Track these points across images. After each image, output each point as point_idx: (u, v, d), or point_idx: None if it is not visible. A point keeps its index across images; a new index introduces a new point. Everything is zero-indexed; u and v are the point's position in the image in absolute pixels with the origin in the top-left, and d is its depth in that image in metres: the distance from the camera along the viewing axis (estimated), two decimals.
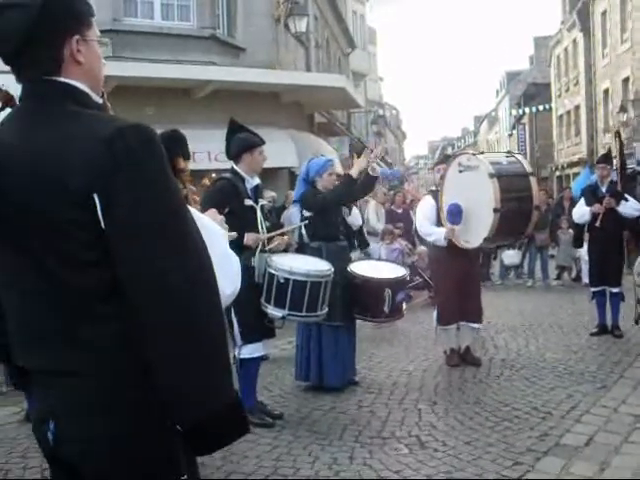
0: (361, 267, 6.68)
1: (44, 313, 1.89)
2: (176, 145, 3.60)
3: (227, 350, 1.94)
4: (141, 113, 12.46)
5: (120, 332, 1.83)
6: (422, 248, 12.92)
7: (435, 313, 7.74)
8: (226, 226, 2.41)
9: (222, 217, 2.42)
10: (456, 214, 7.00)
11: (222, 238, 2.20)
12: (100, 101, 2.05)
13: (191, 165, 13.37)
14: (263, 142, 5.84)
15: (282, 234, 5.97)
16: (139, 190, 1.79)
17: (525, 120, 48.63)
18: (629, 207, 8.69)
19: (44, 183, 1.80)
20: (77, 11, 1.97)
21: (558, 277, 15.50)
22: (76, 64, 1.95)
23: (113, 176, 1.76)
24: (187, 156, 3.51)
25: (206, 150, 13.05)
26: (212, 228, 2.15)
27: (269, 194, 11.07)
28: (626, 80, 29.74)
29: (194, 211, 2.02)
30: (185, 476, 1.95)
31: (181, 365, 1.79)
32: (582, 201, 9.10)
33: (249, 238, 5.43)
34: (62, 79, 1.93)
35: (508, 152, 7.51)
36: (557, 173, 42.52)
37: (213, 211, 2.48)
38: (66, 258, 1.83)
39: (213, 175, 5.98)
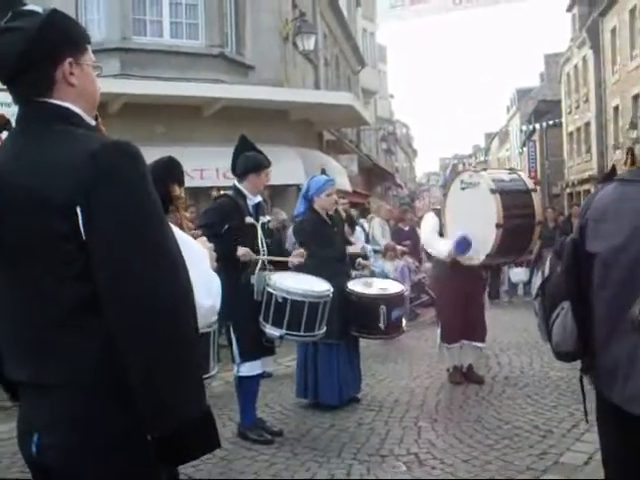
0: (357, 284, 6.70)
1: (29, 326, 1.94)
2: (171, 172, 3.66)
3: (200, 362, 1.99)
4: (151, 131, 12.59)
5: (102, 346, 1.88)
6: (428, 265, 12.95)
7: (439, 331, 7.74)
8: (214, 254, 2.45)
9: (211, 245, 2.47)
10: (465, 247, 6.95)
11: (204, 257, 2.25)
12: (93, 123, 2.12)
13: (199, 182, 13.54)
14: (270, 164, 5.88)
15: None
16: (118, 203, 1.85)
17: (536, 137, 48.61)
18: None
19: (32, 200, 1.87)
20: (71, 36, 2.07)
21: None
22: (69, 86, 2.03)
23: (94, 189, 1.83)
24: (182, 183, 3.57)
25: (214, 167, 13.14)
26: (194, 246, 2.20)
27: (282, 216, 11.13)
28: (636, 97, 29.76)
29: (176, 229, 2.07)
30: None
31: (156, 375, 1.85)
32: None
33: (241, 251, 5.45)
34: (54, 101, 2.01)
35: (510, 169, 7.55)
36: (568, 190, 42.42)
37: (203, 239, 2.54)
38: (51, 271, 1.89)
39: (214, 192, 6.01)
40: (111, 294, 1.84)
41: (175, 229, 2.05)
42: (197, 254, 2.18)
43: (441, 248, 7.30)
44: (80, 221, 1.84)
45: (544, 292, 3.11)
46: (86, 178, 1.83)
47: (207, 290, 2.15)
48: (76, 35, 2.09)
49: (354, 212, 13.76)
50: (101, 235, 1.84)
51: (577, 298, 2.87)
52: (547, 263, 3.15)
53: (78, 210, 1.83)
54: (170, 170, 3.68)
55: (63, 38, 2.02)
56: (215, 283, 2.24)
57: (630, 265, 2.74)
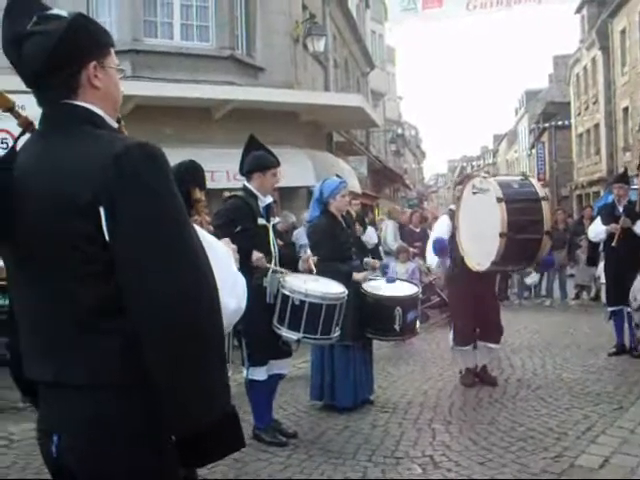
0: (372, 285, 6.69)
1: (51, 326, 1.95)
2: (193, 175, 3.66)
3: (225, 362, 1.99)
4: (160, 133, 12.58)
5: (123, 346, 1.88)
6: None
7: (451, 334, 7.73)
8: (237, 255, 2.45)
9: (234, 247, 2.46)
10: (438, 250, 7.29)
11: (228, 258, 2.24)
12: (115, 126, 2.13)
13: (210, 184, 13.57)
14: (278, 164, 5.81)
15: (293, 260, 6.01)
16: (142, 203, 1.85)
17: (544, 139, 48.56)
18: None
19: (55, 199, 1.88)
20: (96, 39, 2.08)
21: (577, 296, 15.42)
22: (93, 89, 2.05)
23: (118, 190, 1.84)
24: (203, 186, 3.56)
25: (225, 169, 13.15)
26: (218, 247, 2.20)
27: (291, 219, 11.11)
28: None
29: (200, 230, 2.07)
30: None
31: (179, 377, 1.85)
32: (598, 220, 9.09)
33: (256, 256, 5.37)
34: (79, 102, 2.03)
35: (522, 175, 7.47)
36: (577, 192, 42.34)
37: (227, 240, 2.53)
38: (72, 271, 1.89)
39: (226, 193, 5.99)
40: (137, 295, 1.84)
41: (199, 230, 2.06)
42: (222, 255, 2.18)
43: (430, 262, 7.69)
44: (103, 221, 1.84)
45: None
46: (110, 179, 1.83)
47: (233, 291, 2.14)
48: (100, 38, 2.10)
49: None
50: (126, 236, 1.84)
51: None
52: None
53: (101, 210, 1.84)
54: (192, 173, 3.69)
55: (88, 41, 2.04)
56: (240, 284, 2.23)
57: None
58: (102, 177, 1.84)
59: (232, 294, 2.14)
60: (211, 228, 3.46)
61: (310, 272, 5.99)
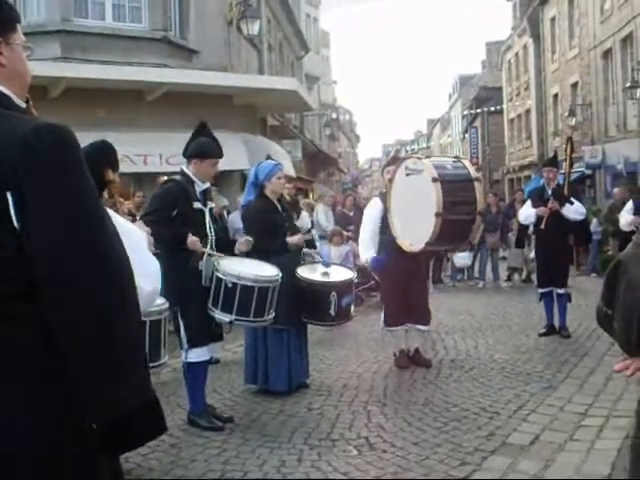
0: (307, 270, 6.69)
1: None
2: (105, 156, 3.56)
3: (144, 348, 1.94)
4: (92, 116, 12.34)
5: (39, 335, 1.81)
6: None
7: (382, 315, 7.78)
8: (151, 239, 2.40)
9: (148, 229, 2.41)
10: (376, 267, 7.62)
11: (142, 240, 2.20)
12: (24, 106, 2.04)
13: (143, 168, 13.37)
14: (220, 155, 5.77)
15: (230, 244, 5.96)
16: (52, 187, 1.78)
17: (477, 124, 49.25)
18: (573, 210, 8.89)
19: None
20: (0, 15, 1.99)
21: (509, 278, 15.74)
22: None
23: (26, 173, 1.76)
24: (116, 168, 3.47)
25: (158, 153, 12.99)
26: (131, 230, 2.14)
27: (224, 203, 11.03)
28: (575, 85, 30.34)
29: (113, 213, 2.01)
30: None
31: (97, 363, 1.79)
32: (528, 203, 9.30)
33: (191, 239, 5.38)
34: None
35: (455, 157, 7.57)
36: (509, 176, 43.12)
37: (140, 223, 2.49)
38: None
39: (164, 177, 5.93)
40: (49, 280, 1.77)
41: (112, 213, 2.00)
42: (135, 238, 2.13)
43: (362, 255, 7.79)
44: (10, 206, 1.76)
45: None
46: (18, 161, 1.76)
47: (147, 275, 2.10)
48: (5, 14, 2.01)
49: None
50: (35, 220, 1.76)
51: None
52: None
53: (8, 195, 1.76)
54: (104, 154, 3.59)
55: None
56: (155, 267, 2.19)
57: None
58: (9, 159, 1.76)
59: (146, 277, 2.09)
60: (126, 210, 3.37)
61: (246, 255, 5.98)
